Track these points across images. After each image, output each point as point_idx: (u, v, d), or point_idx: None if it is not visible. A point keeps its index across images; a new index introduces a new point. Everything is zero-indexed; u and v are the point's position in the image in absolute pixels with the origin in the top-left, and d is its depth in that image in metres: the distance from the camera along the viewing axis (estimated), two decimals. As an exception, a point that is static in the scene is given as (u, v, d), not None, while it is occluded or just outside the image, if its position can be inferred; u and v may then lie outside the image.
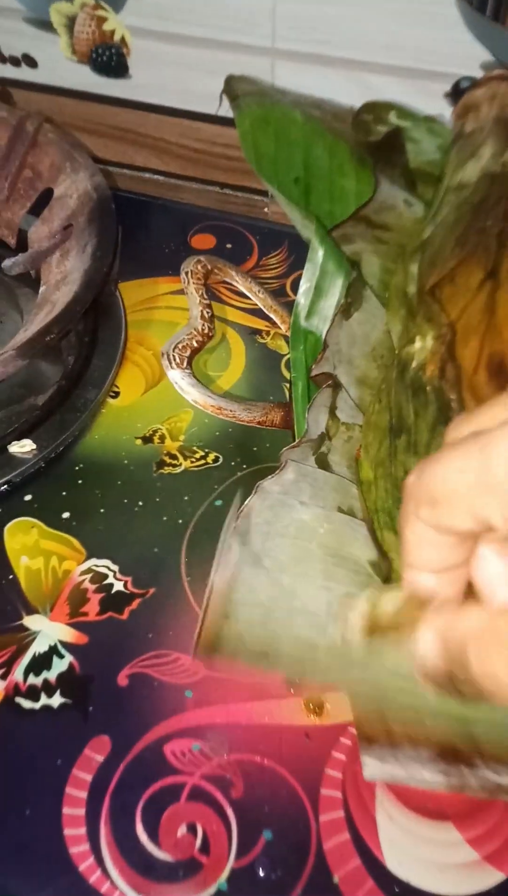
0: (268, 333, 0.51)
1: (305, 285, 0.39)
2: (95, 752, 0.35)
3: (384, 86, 0.55)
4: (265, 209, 0.62)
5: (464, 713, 0.29)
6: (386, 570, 0.32)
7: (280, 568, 0.32)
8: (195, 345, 0.39)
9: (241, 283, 0.44)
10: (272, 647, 0.31)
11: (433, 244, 0.39)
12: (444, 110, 0.53)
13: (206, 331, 0.40)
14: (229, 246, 0.57)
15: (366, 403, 0.39)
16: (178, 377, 0.38)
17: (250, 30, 0.61)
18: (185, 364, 0.38)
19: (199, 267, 0.42)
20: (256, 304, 0.45)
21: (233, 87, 0.45)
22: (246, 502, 0.34)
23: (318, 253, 0.39)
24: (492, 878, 0.33)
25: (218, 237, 0.58)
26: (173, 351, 0.38)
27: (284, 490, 0.34)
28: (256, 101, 0.44)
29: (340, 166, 0.42)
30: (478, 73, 0.53)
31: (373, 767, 0.30)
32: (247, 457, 0.45)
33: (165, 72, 0.64)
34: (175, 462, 0.45)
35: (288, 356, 0.48)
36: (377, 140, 0.43)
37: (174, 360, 0.38)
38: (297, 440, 0.37)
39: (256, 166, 0.43)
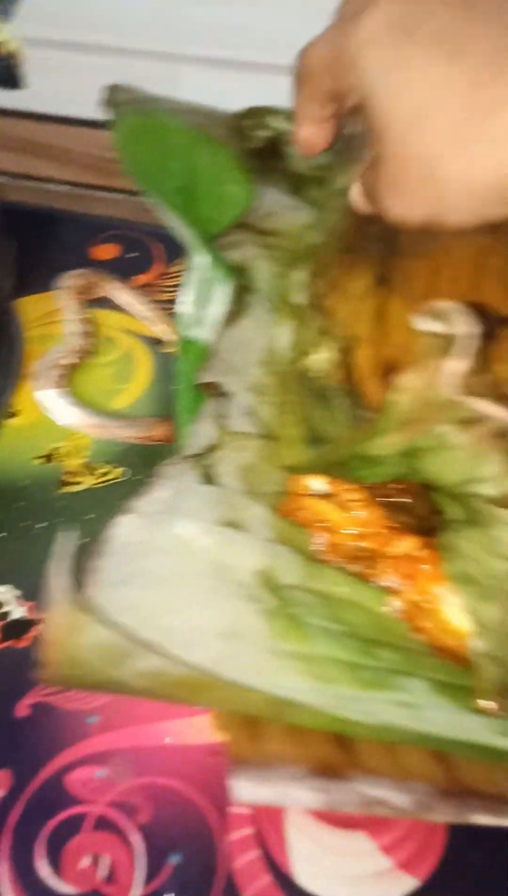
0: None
1: (188, 294, 0.38)
2: (-6, 788, 0.34)
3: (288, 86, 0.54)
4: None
5: (343, 716, 0.29)
6: None
7: (154, 585, 0.32)
8: (69, 362, 0.38)
9: (124, 296, 0.43)
10: (132, 659, 0.30)
11: (322, 251, 0.39)
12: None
13: (82, 347, 0.39)
14: (132, 255, 0.56)
15: (263, 412, 0.38)
16: (49, 398, 0.37)
17: (150, 35, 0.60)
18: (58, 383, 0.37)
19: (77, 281, 0.41)
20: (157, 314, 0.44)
21: (112, 97, 0.44)
22: (116, 522, 0.33)
23: (199, 261, 0.38)
24: (407, 884, 0.32)
25: (122, 247, 0.57)
26: (44, 371, 0.37)
27: (159, 508, 0.34)
28: (133, 110, 0.43)
29: (224, 172, 0.42)
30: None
31: (244, 790, 0.29)
32: (154, 471, 0.44)
33: (64, 80, 0.63)
34: (78, 480, 0.44)
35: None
36: (255, 147, 0.42)
37: (44, 380, 0.37)
38: (169, 460, 0.36)
39: (135, 176, 0.42)
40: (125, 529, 0.33)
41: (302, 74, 0.34)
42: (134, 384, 0.49)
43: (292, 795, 0.29)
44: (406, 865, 0.33)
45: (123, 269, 0.55)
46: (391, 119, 0.29)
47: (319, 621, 0.32)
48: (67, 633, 0.31)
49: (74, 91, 0.63)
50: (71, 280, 0.41)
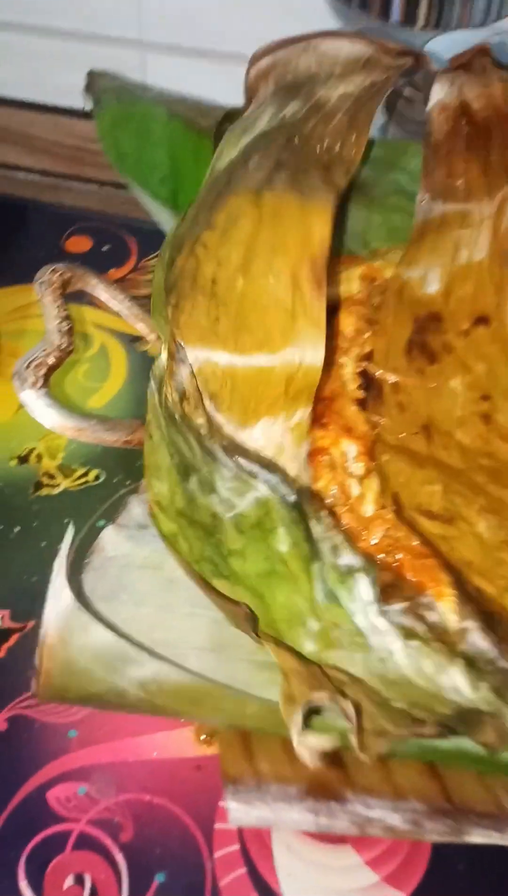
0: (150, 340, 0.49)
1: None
2: (-29, 807, 0.33)
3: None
4: (146, 208, 0.60)
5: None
6: (242, 617, 0.31)
7: (139, 600, 0.31)
8: (52, 361, 0.37)
9: (103, 292, 0.42)
10: (128, 668, 0.29)
11: (182, 226, 0.36)
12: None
13: (64, 346, 0.38)
14: (105, 248, 0.55)
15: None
16: (31, 398, 0.35)
17: (115, 21, 0.59)
18: (40, 383, 0.36)
19: (55, 276, 0.39)
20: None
21: (95, 84, 0.43)
22: (98, 537, 0.32)
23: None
24: (393, 898, 0.32)
25: (95, 239, 0.55)
26: (26, 369, 0.36)
27: (141, 523, 0.33)
28: (116, 98, 0.42)
29: (206, 165, 0.41)
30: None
31: (238, 812, 0.28)
32: (131, 473, 0.43)
33: (30, 66, 0.62)
34: (54, 482, 0.43)
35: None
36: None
37: (27, 379, 0.35)
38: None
39: (118, 166, 0.40)
40: (109, 544, 0.32)
41: None
42: (109, 383, 0.48)
43: (286, 818, 0.28)
44: (392, 879, 0.32)
45: (95, 263, 0.53)
46: None
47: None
48: (64, 639, 0.30)
49: (43, 78, 0.61)
50: (48, 274, 0.40)
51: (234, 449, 0.31)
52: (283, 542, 0.31)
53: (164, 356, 0.33)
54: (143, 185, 0.40)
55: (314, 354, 0.31)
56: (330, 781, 0.29)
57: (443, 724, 0.28)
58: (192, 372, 0.32)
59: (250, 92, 0.42)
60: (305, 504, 0.31)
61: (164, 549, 0.32)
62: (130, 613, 0.30)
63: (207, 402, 0.32)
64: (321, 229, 0.32)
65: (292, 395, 0.32)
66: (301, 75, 0.41)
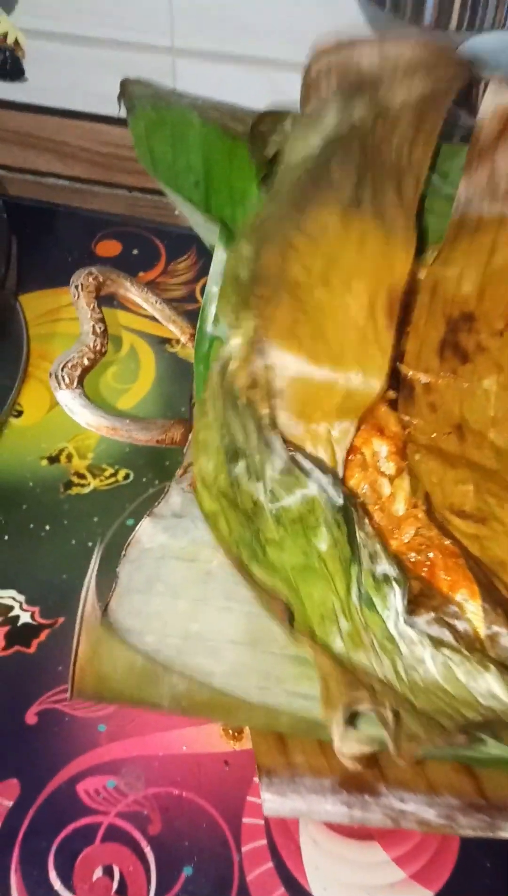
0: (179, 342, 0.49)
1: (212, 289, 0.38)
2: (3, 798, 0.33)
3: (291, 83, 0.54)
4: (176, 212, 0.61)
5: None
6: (279, 610, 0.31)
7: (174, 592, 0.31)
8: (87, 363, 0.38)
9: (136, 294, 0.43)
10: (161, 682, 0.30)
11: (268, 220, 0.37)
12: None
13: (98, 347, 0.38)
14: (135, 252, 0.55)
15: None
16: (67, 398, 0.36)
17: (147, 28, 0.59)
18: (75, 384, 0.36)
19: (90, 279, 0.40)
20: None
21: (129, 91, 0.43)
22: (136, 529, 0.33)
23: (222, 257, 0.38)
24: (420, 896, 0.32)
25: (124, 243, 0.56)
26: (62, 370, 0.36)
27: (177, 513, 0.33)
28: (150, 104, 0.42)
29: (239, 169, 0.41)
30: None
31: (273, 803, 0.28)
32: (159, 472, 0.44)
33: (63, 73, 0.62)
34: (83, 482, 0.43)
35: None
36: (268, 153, 0.42)
37: (63, 380, 0.36)
38: (183, 465, 0.36)
39: (152, 171, 0.41)
40: (145, 535, 0.32)
41: None
42: (138, 384, 0.48)
43: (320, 809, 0.29)
44: (420, 877, 0.32)
45: (125, 267, 0.54)
46: None
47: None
48: (97, 652, 0.30)
49: (74, 84, 0.62)
50: (83, 277, 0.40)
51: (291, 444, 0.32)
52: (324, 540, 0.31)
53: (236, 341, 0.35)
54: (177, 189, 0.41)
55: (377, 382, 0.34)
56: (364, 776, 0.29)
57: (471, 730, 0.28)
58: (267, 364, 0.34)
59: (310, 87, 0.43)
60: (351, 509, 0.31)
61: (200, 540, 0.32)
62: (165, 605, 0.31)
63: (274, 396, 0.33)
64: (402, 266, 0.36)
65: (345, 408, 0.33)
66: (365, 75, 0.42)
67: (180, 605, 0.31)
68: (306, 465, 0.32)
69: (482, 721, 0.28)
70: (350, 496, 0.32)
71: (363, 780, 0.28)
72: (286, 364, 0.34)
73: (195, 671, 0.30)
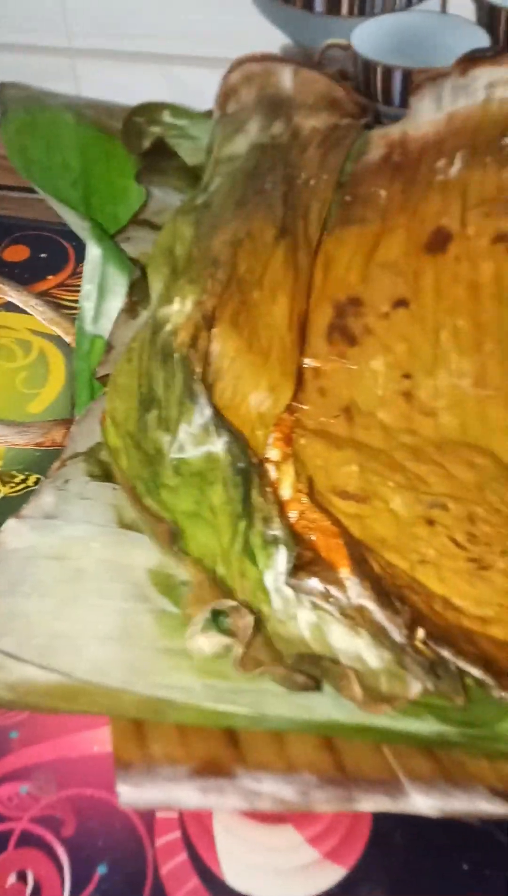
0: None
1: (87, 287, 0.38)
2: None
3: (191, 77, 0.54)
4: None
5: (231, 710, 0.29)
6: (165, 532, 0.32)
7: (42, 592, 0.31)
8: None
9: (15, 298, 0.43)
10: (22, 682, 0.30)
11: (211, 208, 0.39)
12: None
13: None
14: (43, 255, 0.55)
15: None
16: None
17: (44, 30, 0.59)
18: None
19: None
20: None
21: (3, 95, 0.43)
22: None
23: (96, 254, 0.38)
24: (334, 874, 0.33)
25: (32, 248, 0.56)
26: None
27: (49, 513, 0.33)
28: (23, 107, 0.42)
29: (118, 167, 0.41)
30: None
31: (129, 795, 0.29)
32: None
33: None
34: (-6, 490, 0.43)
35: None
36: (146, 145, 0.42)
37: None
38: (59, 460, 0.36)
39: (25, 173, 0.41)
40: (11, 536, 0.32)
41: None
42: (48, 388, 0.48)
43: (175, 797, 0.29)
44: (333, 855, 0.33)
45: (33, 271, 0.54)
46: None
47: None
48: None
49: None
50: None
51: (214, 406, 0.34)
52: (218, 496, 0.32)
53: (175, 307, 0.37)
54: (52, 190, 0.41)
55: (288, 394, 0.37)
56: (222, 759, 0.29)
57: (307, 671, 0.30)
58: (211, 334, 0.36)
59: (230, 91, 0.45)
60: (253, 475, 0.32)
61: (72, 537, 0.33)
62: (33, 606, 0.31)
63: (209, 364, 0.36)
64: (300, 303, 0.39)
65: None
66: (283, 94, 0.45)
67: (47, 605, 0.31)
68: (223, 423, 0.33)
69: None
70: (258, 464, 0.33)
71: (220, 764, 0.29)
72: (228, 343, 0.36)
73: (57, 669, 0.30)
